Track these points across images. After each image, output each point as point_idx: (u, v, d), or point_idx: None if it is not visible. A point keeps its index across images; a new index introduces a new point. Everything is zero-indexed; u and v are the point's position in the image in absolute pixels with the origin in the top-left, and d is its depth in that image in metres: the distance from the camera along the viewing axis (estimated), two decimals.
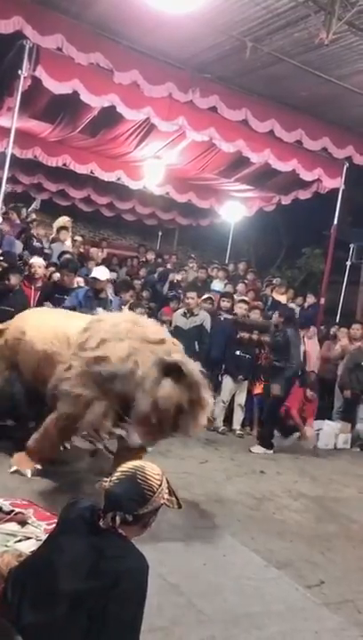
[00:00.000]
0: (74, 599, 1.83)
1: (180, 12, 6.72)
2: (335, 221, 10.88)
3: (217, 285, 10.89)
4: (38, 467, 4.74)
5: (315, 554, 4.24)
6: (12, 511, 3.05)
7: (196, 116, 8.94)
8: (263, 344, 7.99)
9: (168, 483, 2.05)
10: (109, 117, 9.13)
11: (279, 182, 11.43)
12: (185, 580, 3.47)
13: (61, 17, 7.45)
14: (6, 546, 2.71)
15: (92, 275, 6.91)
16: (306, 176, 10.41)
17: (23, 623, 1.88)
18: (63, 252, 8.97)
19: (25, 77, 7.55)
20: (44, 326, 5.06)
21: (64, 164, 11.49)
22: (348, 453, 7.93)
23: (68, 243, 10.12)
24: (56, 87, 7.77)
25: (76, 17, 7.56)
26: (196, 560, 3.76)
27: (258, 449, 6.99)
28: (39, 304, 6.68)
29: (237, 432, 7.68)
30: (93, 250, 10.81)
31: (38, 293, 7.05)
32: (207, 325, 7.96)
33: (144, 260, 12.90)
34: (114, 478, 1.99)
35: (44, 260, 8.01)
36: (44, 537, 2.46)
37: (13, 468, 4.67)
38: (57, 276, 7.45)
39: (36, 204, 12.51)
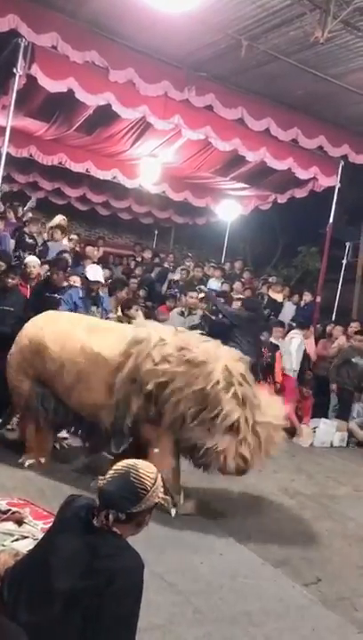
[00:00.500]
0: (69, 598, 1.83)
1: (175, 11, 6.71)
2: (331, 220, 10.89)
3: (214, 284, 10.90)
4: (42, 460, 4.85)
5: (312, 552, 4.25)
6: (9, 510, 3.05)
7: (191, 115, 8.93)
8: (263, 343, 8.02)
9: (163, 481, 2.05)
10: (105, 116, 9.11)
11: (275, 181, 11.43)
12: (182, 578, 3.48)
13: (57, 15, 7.43)
14: (3, 545, 2.71)
15: (86, 274, 6.90)
16: (302, 174, 10.42)
17: (19, 623, 1.87)
18: (61, 252, 8.96)
19: (20, 76, 7.52)
20: (66, 341, 4.85)
21: (60, 163, 11.46)
22: (344, 451, 7.95)
23: (66, 241, 10.11)
24: (51, 85, 7.74)
25: (71, 15, 7.53)
26: (193, 559, 3.77)
27: None
28: (31, 303, 6.64)
29: None
30: (89, 248, 10.78)
31: None
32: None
33: (140, 258, 12.89)
34: (108, 476, 1.98)
35: (39, 258, 7.98)
36: (40, 536, 2.46)
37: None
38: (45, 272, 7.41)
39: (32, 203, 12.49)
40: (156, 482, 1.97)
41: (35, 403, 4.93)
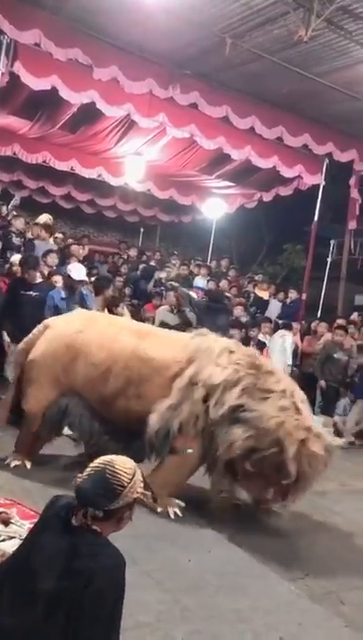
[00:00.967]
0: (51, 599, 1.81)
1: (158, 3, 6.68)
2: (316, 218, 10.95)
3: (200, 282, 10.90)
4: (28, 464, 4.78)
5: (298, 547, 4.29)
6: None
7: (176, 113, 8.94)
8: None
9: (143, 477, 2.02)
10: (89, 113, 9.08)
11: (260, 179, 11.47)
12: (170, 576, 3.48)
13: (39, 12, 7.38)
14: None
15: (69, 273, 6.85)
16: (287, 173, 10.47)
17: (1, 624, 1.86)
18: (49, 251, 8.90)
19: (3, 73, 7.47)
20: (113, 344, 4.62)
21: (44, 161, 11.39)
22: None
23: (52, 240, 10.04)
24: (35, 83, 7.69)
25: (54, 11, 7.49)
26: (181, 556, 3.77)
27: None
28: (5, 301, 6.59)
29: None
30: (74, 247, 10.71)
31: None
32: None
33: (126, 256, 12.85)
34: (84, 474, 1.97)
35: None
36: None
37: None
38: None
39: (15, 201, 12.37)
40: (133, 477, 1.95)
41: (55, 415, 4.69)
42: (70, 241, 11.07)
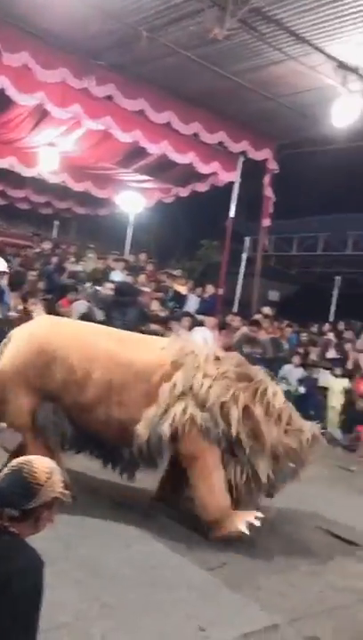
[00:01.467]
0: None
1: None
2: (232, 214, 11.17)
3: (117, 276, 10.81)
4: None
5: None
6: None
7: (91, 104, 8.78)
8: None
9: (63, 476, 1.98)
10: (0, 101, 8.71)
11: (177, 174, 11.54)
12: (89, 574, 3.43)
13: None
14: None
15: None
16: (203, 169, 10.60)
17: None
18: None
19: None
20: (91, 349, 4.37)
21: None
22: None
23: None
24: None
25: None
26: (99, 553, 3.73)
27: None
28: None
29: None
30: None
31: None
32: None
33: (39, 250, 12.48)
34: (2, 474, 1.90)
35: None
36: None
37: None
38: None
39: None
40: (52, 476, 1.90)
41: (43, 419, 4.36)
42: None
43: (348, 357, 10.04)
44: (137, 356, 4.36)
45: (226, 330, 9.96)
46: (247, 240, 14.91)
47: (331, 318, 14.88)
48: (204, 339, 8.71)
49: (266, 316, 10.45)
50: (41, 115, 9.38)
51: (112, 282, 9.71)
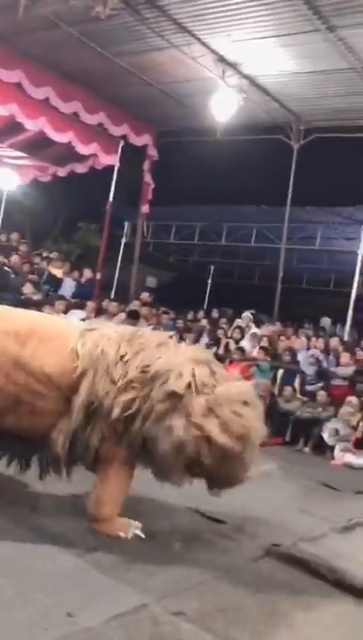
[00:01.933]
0: None
1: None
2: (111, 198, 11.09)
3: None
4: None
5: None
6: None
7: None
8: None
9: None
10: None
11: (55, 153, 11.21)
12: None
13: None
14: None
15: None
16: (82, 150, 10.40)
17: None
18: None
19: None
20: None
21: None
22: None
23: None
24: None
25: None
26: None
27: None
28: None
29: None
30: None
31: None
32: None
33: None
34: None
35: None
36: None
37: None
38: None
39: None
40: None
41: None
42: None
43: (220, 343, 10.48)
44: (44, 361, 3.97)
45: (103, 315, 9.93)
46: (126, 225, 14.91)
47: (205, 306, 15.40)
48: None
49: (144, 304, 10.55)
50: None
51: None
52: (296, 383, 9.57)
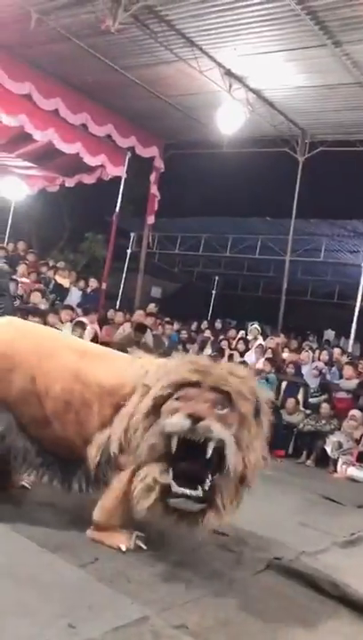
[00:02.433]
0: None
1: None
2: (117, 209, 11.16)
3: None
4: None
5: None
6: None
7: None
8: None
9: None
10: None
11: (63, 163, 11.31)
12: None
13: None
14: None
15: None
16: (90, 161, 10.49)
17: None
18: None
19: None
20: (52, 360, 4.06)
21: None
22: None
23: None
24: None
25: None
26: None
27: None
28: None
29: None
30: None
31: None
32: None
33: None
34: None
35: None
36: None
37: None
38: None
39: None
40: None
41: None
42: None
43: (223, 355, 10.47)
44: (101, 375, 4.16)
45: (109, 325, 9.97)
46: (132, 236, 14.98)
47: (209, 317, 15.42)
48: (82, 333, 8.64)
49: (149, 314, 10.57)
50: None
51: None
52: (300, 395, 9.54)
